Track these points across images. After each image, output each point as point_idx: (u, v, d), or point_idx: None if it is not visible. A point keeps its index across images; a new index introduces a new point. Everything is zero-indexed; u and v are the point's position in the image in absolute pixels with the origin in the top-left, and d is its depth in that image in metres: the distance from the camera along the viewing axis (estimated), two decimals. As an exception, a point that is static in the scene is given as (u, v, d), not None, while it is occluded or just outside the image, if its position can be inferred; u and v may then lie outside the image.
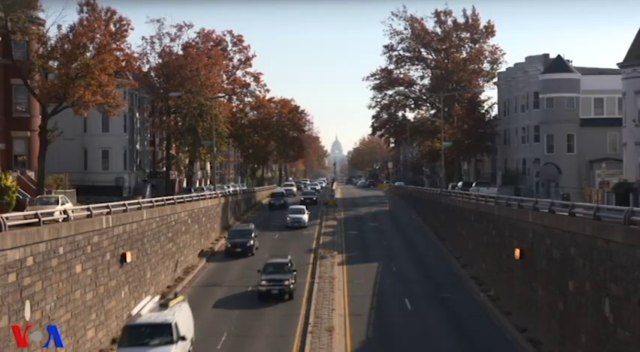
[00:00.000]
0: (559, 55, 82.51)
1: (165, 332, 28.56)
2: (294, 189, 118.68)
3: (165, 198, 51.20)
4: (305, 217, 74.09)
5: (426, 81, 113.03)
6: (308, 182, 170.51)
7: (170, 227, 48.53)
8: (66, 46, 54.43)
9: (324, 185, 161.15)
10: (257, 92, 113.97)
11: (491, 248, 45.65)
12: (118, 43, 58.59)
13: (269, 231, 70.47)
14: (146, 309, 30.47)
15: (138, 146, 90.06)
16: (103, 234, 33.97)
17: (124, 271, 37.12)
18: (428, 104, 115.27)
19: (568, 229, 30.10)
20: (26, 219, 27.45)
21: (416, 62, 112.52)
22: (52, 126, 55.53)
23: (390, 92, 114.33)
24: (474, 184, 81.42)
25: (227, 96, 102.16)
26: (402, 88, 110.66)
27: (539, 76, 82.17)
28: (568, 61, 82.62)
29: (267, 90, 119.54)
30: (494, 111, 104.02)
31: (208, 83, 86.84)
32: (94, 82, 54.01)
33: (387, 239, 68.11)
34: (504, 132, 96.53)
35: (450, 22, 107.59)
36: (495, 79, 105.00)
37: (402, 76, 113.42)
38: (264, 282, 43.55)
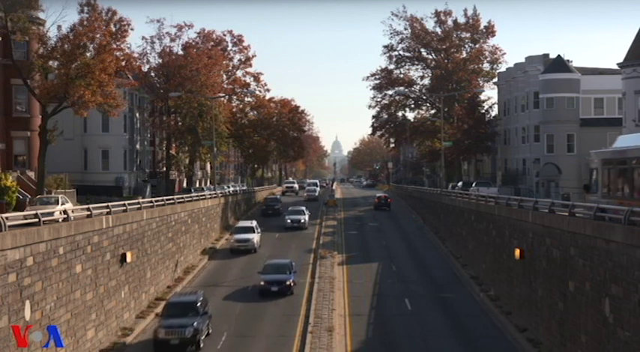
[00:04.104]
0: (559, 55, 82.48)
1: None
2: (255, 239, 59.85)
3: (165, 198, 51.20)
4: None
5: (426, 81, 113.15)
6: (295, 186, 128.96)
7: (170, 227, 48.52)
8: (66, 46, 54.34)
9: (316, 193, 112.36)
10: (257, 92, 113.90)
11: (491, 248, 45.67)
12: (118, 43, 58.53)
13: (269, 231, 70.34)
14: None
15: (138, 146, 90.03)
16: (103, 234, 33.98)
17: (124, 271, 37.13)
18: (428, 104, 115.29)
19: (568, 229, 30.11)
20: (26, 219, 27.45)
21: (416, 62, 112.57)
22: (52, 126, 55.50)
23: (390, 92, 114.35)
24: (474, 184, 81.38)
25: (227, 96, 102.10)
26: (402, 88, 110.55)
27: (539, 76, 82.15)
28: (568, 61, 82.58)
29: (268, 90, 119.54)
30: (494, 111, 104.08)
31: (208, 83, 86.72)
32: (94, 82, 53.95)
33: (387, 239, 68.09)
34: (504, 132, 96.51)
35: (450, 22, 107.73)
36: (495, 79, 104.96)
37: (402, 76, 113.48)
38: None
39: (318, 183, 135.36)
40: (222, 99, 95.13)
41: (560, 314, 31.01)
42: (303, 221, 72.23)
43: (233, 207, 79.00)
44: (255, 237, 59.97)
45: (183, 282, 48.45)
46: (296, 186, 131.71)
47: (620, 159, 29.54)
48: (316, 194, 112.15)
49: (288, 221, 72.03)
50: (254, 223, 63.20)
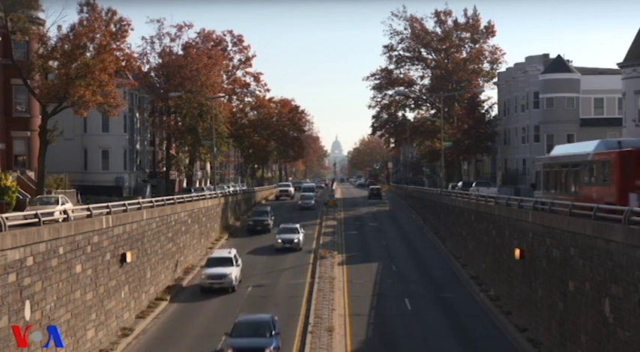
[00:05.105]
0: (559, 55, 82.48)
1: None
2: (233, 274, 47.00)
3: (165, 198, 51.16)
4: None
5: (426, 81, 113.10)
6: (290, 190, 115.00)
7: (170, 227, 48.52)
8: (66, 46, 54.43)
9: (312, 202, 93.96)
10: (257, 92, 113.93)
11: (491, 248, 45.66)
12: (118, 43, 58.60)
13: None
14: None
15: (138, 146, 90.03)
16: (103, 234, 33.98)
17: (124, 271, 37.13)
18: (428, 104, 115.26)
19: (568, 229, 30.11)
20: (26, 219, 27.43)
21: (416, 62, 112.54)
22: (52, 126, 55.55)
23: (390, 92, 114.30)
24: (474, 184, 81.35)
25: (227, 96, 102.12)
26: (402, 88, 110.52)
27: (539, 76, 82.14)
28: (568, 61, 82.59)
29: (268, 90, 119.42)
30: (494, 111, 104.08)
31: (208, 83, 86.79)
32: (94, 81, 54.00)
33: (387, 239, 68.09)
34: (504, 132, 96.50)
35: (450, 22, 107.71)
36: (495, 79, 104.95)
37: (402, 76, 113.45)
38: None
39: (316, 187, 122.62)
40: (222, 99, 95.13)
41: (560, 314, 31.00)
42: (296, 241, 61.10)
43: (233, 207, 79.00)
44: (234, 272, 46.47)
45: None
46: (291, 189, 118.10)
47: (553, 164, 38.04)
48: (312, 202, 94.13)
49: (279, 241, 61.15)
50: (232, 253, 49.33)
